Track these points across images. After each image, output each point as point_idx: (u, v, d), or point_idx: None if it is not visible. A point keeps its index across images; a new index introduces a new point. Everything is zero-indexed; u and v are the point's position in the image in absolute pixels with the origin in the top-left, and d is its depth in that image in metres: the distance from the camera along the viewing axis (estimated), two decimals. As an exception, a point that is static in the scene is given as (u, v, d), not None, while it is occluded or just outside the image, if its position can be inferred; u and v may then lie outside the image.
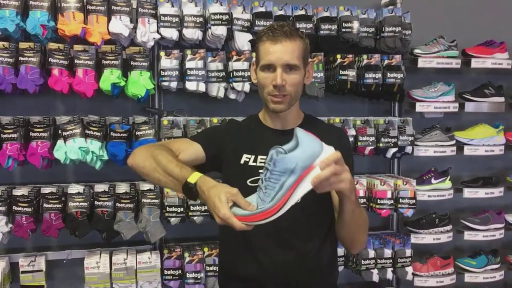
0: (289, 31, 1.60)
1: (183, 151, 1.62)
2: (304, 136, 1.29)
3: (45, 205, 2.50)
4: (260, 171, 1.63)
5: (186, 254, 2.67)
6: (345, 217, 1.54)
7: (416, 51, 3.03)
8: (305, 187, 1.27)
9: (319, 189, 1.30)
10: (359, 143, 2.84)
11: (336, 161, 1.29)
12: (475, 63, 3.08)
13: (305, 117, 1.78)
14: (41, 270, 2.58)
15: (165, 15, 2.59)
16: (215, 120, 2.68)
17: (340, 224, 1.61)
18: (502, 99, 3.18)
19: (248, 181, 1.62)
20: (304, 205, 1.44)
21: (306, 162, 1.27)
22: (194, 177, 1.40)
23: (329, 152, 1.29)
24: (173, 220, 2.62)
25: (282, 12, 2.80)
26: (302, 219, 1.60)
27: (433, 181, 3.08)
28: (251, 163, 1.67)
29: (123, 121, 2.61)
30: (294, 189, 1.27)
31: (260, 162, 1.66)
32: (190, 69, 2.62)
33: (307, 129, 1.71)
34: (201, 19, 2.63)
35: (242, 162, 1.68)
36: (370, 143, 2.86)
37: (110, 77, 2.51)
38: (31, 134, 2.47)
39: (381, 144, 2.88)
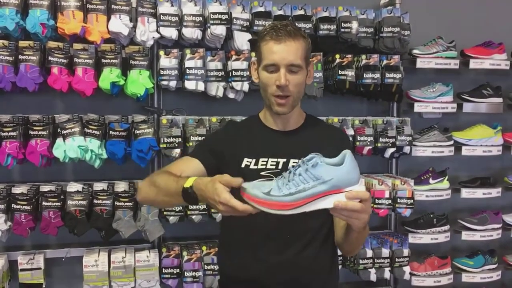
0: (293, 30, 1.60)
1: (184, 172, 1.62)
2: (350, 160, 1.30)
3: (44, 203, 2.51)
4: (262, 173, 1.63)
5: (185, 253, 2.67)
6: (349, 239, 1.59)
7: (415, 51, 3.03)
8: (326, 203, 1.29)
9: (334, 212, 1.31)
10: (357, 143, 2.85)
11: (364, 200, 1.30)
12: (473, 64, 3.09)
13: (307, 117, 1.78)
14: (40, 268, 2.58)
15: (164, 14, 2.60)
16: (214, 119, 2.68)
17: (343, 240, 1.65)
18: (500, 99, 3.19)
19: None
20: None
21: (340, 183, 1.28)
22: (190, 181, 1.42)
23: (361, 188, 1.32)
24: (172, 219, 2.63)
25: (281, 12, 2.80)
26: (304, 221, 1.61)
27: (431, 181, 3.09)
28: (252, 166, 1.66)
29: (122, 120, 2.62)
30: (316, 199, 1.28)
31: (262, 165, 1.65)
32: (189, 68, 2.62)
33: (309, 129, 1.73)
34: (201, 18, 2.64)
35: (243, 166, 1.66)
36: (368, 143, 2.86)
37: (109, 76, 2.51)
38: (31, 132, 2.47)
39: (379, 144, 2.89)
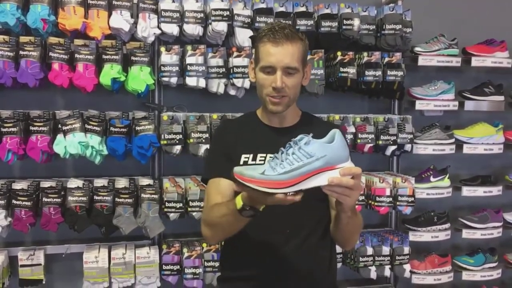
0: (290, 33, 1.61)
1: (222, 196, 1.63)
2: (340, 139, 1.34)
3: (45, 199, 2.51)
4: None
5: (185, 250, 2.67)
6: (339, 225, 1.59)
7: (417, 49, 3.03)
8: (320, 180, 1.31)
9: (326, 189, 1.33)
10: (358, 141, 2.85)
11: (356, 176, 1.33)
12: (475, 62, 3.08)
13: (303, 114, 1.81)
14: (40, 264, 2.59)
15: (165, 11, 2.59)
16: (214, 116, 2.68)
17: (335, 228, 1.66)
18: (501, 98, 3.18)
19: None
20: (306, 201, 1.45)
21: (333, 160, 1.31)
22: (238, 202, 1.43)
23: (352, 165, 1.35)
24: (172, 216, 2.62)
25: (283, 9, 2.80)
26: (304, 215, 1.63)
27: (432, 179, 3.09)
28: (250, 161, 1.67)
29: (123, 116, 2.61)
30: (311, 176, 1.30)
31: (260, 160, 1.66)
32: (191, 64, 2.62)
33: (305, 126, 1.73)
34: (202, 14, 2.63)
35: (241, 162, 1.68)
36: (370, 141, 2.86)
37: (110, 72, 2.51)
38: (31, 128, 2.47)
39: (380, 142, 2.89)
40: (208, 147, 2.54)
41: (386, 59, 2.89)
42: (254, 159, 1.67)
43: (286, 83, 1.61)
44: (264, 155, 1.67)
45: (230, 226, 1.55)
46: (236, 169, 1.31)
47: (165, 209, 2.61)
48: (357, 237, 1.78)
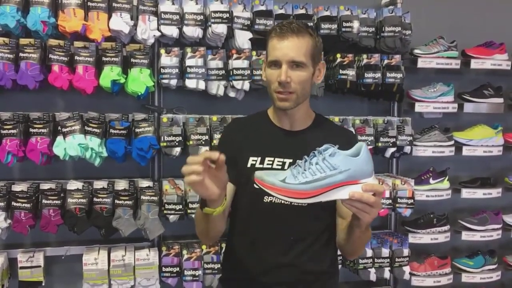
0: (297, 27, 1.57)
1: None
2: (366, 153, 1.31)
3: (44, 201, 2.51)
4: None
5: (184, 252, 2.67)
6: (351, 238, 1.56)
7: (416, 51, 3.03)
8: (341, 194, 1.29)
9: (346, 203, 1.31)
10: (358, 143, 2.85)
11: (378, 194, 1.31)
12: (474, 64, 3.09)
13: (316, 117, 1.74)
14: (40, 266, 2.58)
15: (165, 13, 2.59)
16: (214, 118, 2.68)
17: (345, 241, 1.62)
18: (501, 100, 3.19)
19: (254, 185, 1.58)
20: (313, 210, 1.44)
21: (356, 174, 1.29)
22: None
23: (375, 181, 1.33)
24: (172, 217, 2.62)
25: (282, 11, 2.80)
26: (309, 223, 1.62)
27: (431, 181, 3.09)
28: (257, 165, 1.63)
29: (123, 118, 2.61)
30: (332, 189, 1.28)
31: (268, 164, 1.63)
32: (190, 67, 2.62)
33: (317, 130, 1.70)
34: (202, 17, 2.63)
35: (248, 165, 1.64)
36: (369, 143, 2.86)
37: (110, 74, 2.51)
38: (31, 130, 2.47)
39: (380, 144, 2.89)
40: (215, 147, 2.53)
41: (386, 61, 2.90)
42: (262, 162, 1.63)
43: (292, 77, 1.55)
44: (272, 159, 1.63)
45: (200, 223, 1.59)
46: (257, 174, 1.31)
47: (165, 211, 2.61)
48: (363, 249, 1.76)
